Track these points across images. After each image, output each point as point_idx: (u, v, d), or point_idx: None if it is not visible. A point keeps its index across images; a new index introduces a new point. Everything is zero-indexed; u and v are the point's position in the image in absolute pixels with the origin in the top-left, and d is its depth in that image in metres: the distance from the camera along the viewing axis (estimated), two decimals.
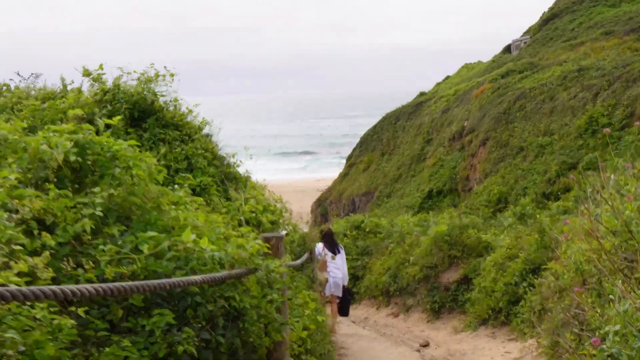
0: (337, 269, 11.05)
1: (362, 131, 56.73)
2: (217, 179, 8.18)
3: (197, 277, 3.56)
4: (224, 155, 9.00)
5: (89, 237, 3.80)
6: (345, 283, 11.50)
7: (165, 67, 8.80)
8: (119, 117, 7.98)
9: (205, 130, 9.20)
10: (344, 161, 56.46)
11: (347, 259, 16.97)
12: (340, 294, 11.17)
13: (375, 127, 52.62)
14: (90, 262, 3.59)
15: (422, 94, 54.85)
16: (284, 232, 9.02)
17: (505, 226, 12.73)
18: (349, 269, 16.65)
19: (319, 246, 10.67)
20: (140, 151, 4.84)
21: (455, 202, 35.42)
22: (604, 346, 3.70)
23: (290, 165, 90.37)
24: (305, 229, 10.51)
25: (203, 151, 8.27)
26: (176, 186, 5.50)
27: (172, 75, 8.66)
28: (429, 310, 12.32)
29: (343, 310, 11.62)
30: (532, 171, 30.92)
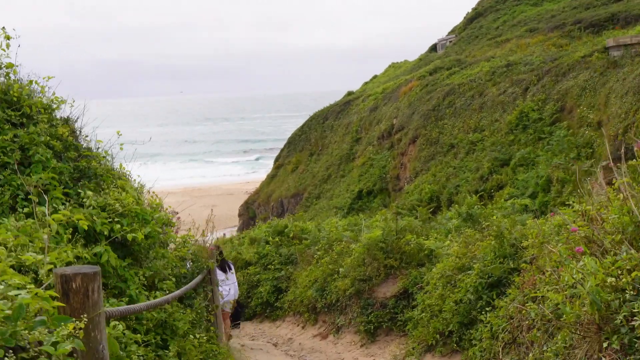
0: (227, 286, 10.27)
1: (291, 131, 54.41)
2: (67, 177, 5.71)
3: None
4: (86, 145, 6.52)
5: None
6: (236, 297, 10.88)
7: (2, 27, 6.27)
8: None
9: (63, 112, 6.71)
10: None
11: (269, 268, 14.76)
12: (229, 309, 10.67)
13: (303, 126, 50.39)
14: None
15: (349, 93, 52.95)
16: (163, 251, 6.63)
17: (449, 229, 10.66)
18: (272, 279, 14.44)
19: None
20: None
21: (386, 202, 33.61)
22: None
23: (218, 168, 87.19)
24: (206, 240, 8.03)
25: (49, 139, 5.77)
26: None
27: (8, 37, 6.14)
28: (363, 332, 10.08)
29: (235, 320, 11.31)
30: (463, 168, 29.37)
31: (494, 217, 8.11)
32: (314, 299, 11.92)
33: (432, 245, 9.64)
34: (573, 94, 26.63)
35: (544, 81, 29.13)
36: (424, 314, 8.67)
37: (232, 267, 10.88)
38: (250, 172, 77.75)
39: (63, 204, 5.31)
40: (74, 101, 6.84)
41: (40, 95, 6.36)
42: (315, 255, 12.97)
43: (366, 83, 58.79)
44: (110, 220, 5.42)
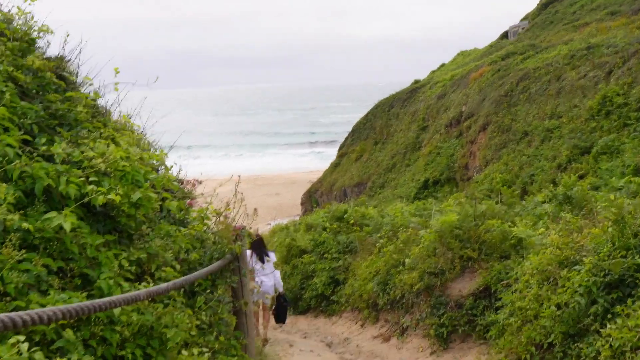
0: (265, 277, 9.68)
1: (355, 121, 52.32)
2: (34, 121, 4.07)
3: None
4: (78, 87, 4.88)
5: None
6: (280, 290, 10.08)
7: None
8: None
9: (54, 50, 5.11)
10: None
11: (326, 257, 13.04)
12: (268, 302, 9.96)
13: (367, 115, 48.32)
14: None
15: (416, 81, 50.52)
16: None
17: (539, 214, 8.63)
18: (328, 270, 12.72)
19: (247, 253, 8.15)
20: None
21: (454, 192, 31.40)
22: None
23: (282, 157, 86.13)
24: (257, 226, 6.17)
25: (12, 69, 4.15)
26: None
27: None
28: (434, 337, 8.19)
29: (280, 317, 10.27)
30: (538, 157, 26.86)
31: (612, 197, 6.08)
32: (375, 294, 10.11)
33: (521, 233, 7.64)
34: None
35: (630, 63, 26.27)
36: (513, 319, 6.72)
37: (271, 257, 9.91)
38: (315, 161, 76.25)
39: (18, 154, 3.67)
40: (68, 35, 5.22)
41: (19, 21, 4.76)
42: (377, 244, 11.16)
43: (433, 71, 56.17)
44: (89, 180, 3.77)
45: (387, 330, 9.57)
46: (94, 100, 4.71)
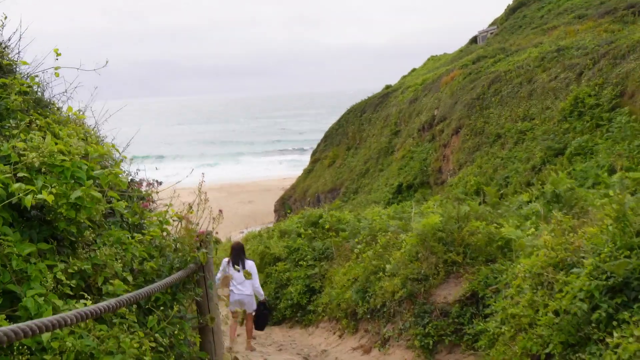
0: (242, 286, 9.37)
1: (327, 128, 51.78)
2: None
3: None
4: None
5: None
6: (261, 298, 9.76)
7: None
8: None
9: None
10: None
11: (301, 265, 12.44)
12: (249, 310, 9.67)
13: (340, 120, 47.84)
14: None
15: (387, 86, 50.21)
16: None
17: (526, 215, 8.11)
18: (303, 277, 12.12)
19: (224, 261, 9.50)
20: None
21: (427, 196, 31.04)
22: None
23: (256, 165, 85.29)
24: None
25: None
26: None
27: None
28: (418, 348, 7.61)
29: (259, 325, 9.91)
30: (512, 159, 26.59)
31: (611, 193, 5.57)
32: (354, 303, 9.51)
33: (511, 234, 7.10)
34: (635, 76, 23.62)
35: (601, 64, 26.15)
36: (505, 328, 6.17)
37: (250, 265, 9.46)
38: (287, 168, 75.61)
39: None
40: (5, 17, 4.56)
41: None
42: (355, 249, 10.57)
43: (405, 76, 55.90)
44: (17, 177, 3.12)
45: (367, 341, 8.96)
46: (32, 87, 4.05)
